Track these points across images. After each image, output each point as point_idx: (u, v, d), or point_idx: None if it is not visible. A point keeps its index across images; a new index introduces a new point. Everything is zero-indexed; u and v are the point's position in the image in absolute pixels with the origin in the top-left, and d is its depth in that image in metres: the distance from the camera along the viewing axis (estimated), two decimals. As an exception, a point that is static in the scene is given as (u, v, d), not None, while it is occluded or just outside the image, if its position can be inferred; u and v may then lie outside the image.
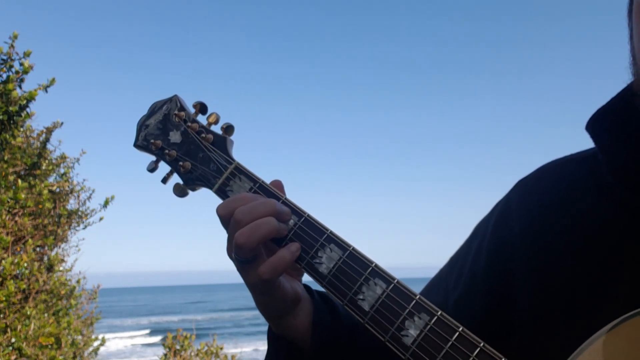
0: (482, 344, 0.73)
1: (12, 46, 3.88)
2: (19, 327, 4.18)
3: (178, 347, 7.06)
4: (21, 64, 3.91)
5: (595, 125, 0.83)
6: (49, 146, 5.19)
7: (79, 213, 5.78)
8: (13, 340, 4.09)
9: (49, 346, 4.58)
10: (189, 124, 1.00)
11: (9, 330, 4.11)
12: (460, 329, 0.75)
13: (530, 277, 0.81)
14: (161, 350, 7.29)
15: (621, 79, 0.82)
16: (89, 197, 5.96)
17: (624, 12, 0.81)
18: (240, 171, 0.94)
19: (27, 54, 3.93)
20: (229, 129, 0.99)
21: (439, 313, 0.76)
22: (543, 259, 0.81)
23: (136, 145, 1.03)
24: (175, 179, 1.01)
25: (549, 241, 0.81)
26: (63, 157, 5.50)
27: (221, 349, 7.40)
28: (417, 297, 0.78)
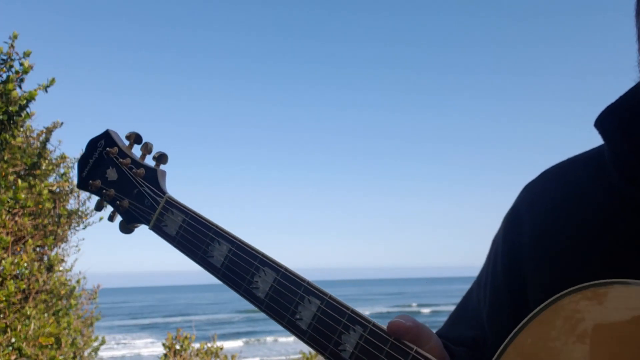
0: (414, 350, 0.74)
1: (12, 46, 3.88)
2: (19, 327, 4.18)
3: (178, 347, 7.05)
4: (21, 64, 3.90)
5: (604, 122, 0.83)
6: (49, 146, 5.18)
7: (79, 213, 5.77)
8: (13, 340, 4.09)
9: (49, 346, 4.58)
10: (121, 160, 1.01)
11: (9, 330, 4.11)
12: (393, 337, 0.76)
13: (542, 281, 0.82)
14: (161, 350, 7.28)
15: (629, 78, 0.82)
16: (89, 197, 5.93)
17: (631, 11, 0.80)
18: (172, 205, 0.95)
19: (27, 54, 3.92)
20: (161, 157, 1.00)
21: (371, 324, 0.77)
22: (553, 262, 0.81)
23: (78, 186, 1.06)
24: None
25: (558, 243, 0.82)
26: (63, 157, 5.49)
27: (221, 349, 7.40)
28: (350, 310, 0.80)
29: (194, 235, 0.92)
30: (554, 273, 0.81)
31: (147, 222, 0.97)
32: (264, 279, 0.86)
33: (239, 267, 0.88)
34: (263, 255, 0.87)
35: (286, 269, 0.85)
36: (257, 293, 0.86)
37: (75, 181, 1.11)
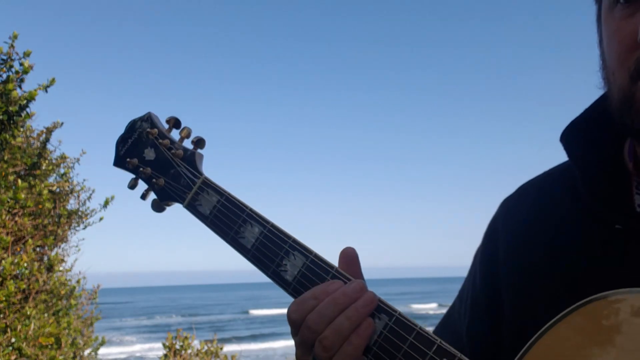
0: (439, 341, 0.75)
1: (12, 46, 3.88)
2: (19, 327, 4.18)
3: (178, 347, 7.05)
4: (21, 64, 3.91)
5: (568, 137, 0.84)
6: (49, 146, 5.19)
7: (79, 213, 5.78)
8: (13, 340, 4.09)
9: (49, 346, 4.58)
10: (161, 140, 1.04)
11: (9, 330, 4.11)
12: (418, 327, 0.77)
13: (513, 298, 0.83)
14: (161, 351, 7.29)
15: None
16: (89, 197, 5.95)
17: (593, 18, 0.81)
18: (208, 185, 0.98)
19: (27, 54, 3.93)
20: (199, 142, 1.04)
21: (398, 313, 0.79)
22: (523, 278, 0.82)
23: (115, 164, 1.09)
24: (154, 194, 1.05)
25: (528, 259, 0.83)
26: (63, 157, 5.50)
27: (221, 349, 7.41)
28: (377, 298, 0.80)
29: (227, 216, 0.95)
30: (523, 286, 0.81)
31: (181, 201, 0.99)
32: (293, 263, 0.87)
33: (269, 249, 0.90)
34: (294, 240, 0.89)
35: (316, 255, 0.87)
36: (285, 276, 0.88)
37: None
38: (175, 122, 1.06)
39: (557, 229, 0.81)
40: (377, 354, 0.78)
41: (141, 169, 1.04)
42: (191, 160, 1.01)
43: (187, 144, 1.04)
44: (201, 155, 1.03)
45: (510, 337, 0.82)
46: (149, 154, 1.04)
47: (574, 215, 0.80)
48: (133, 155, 1.05)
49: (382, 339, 0.78)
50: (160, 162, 1.03)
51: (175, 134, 1.06)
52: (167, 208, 1.04)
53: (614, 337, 0.64)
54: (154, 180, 1.02)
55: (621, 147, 0.80)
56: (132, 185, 1.05)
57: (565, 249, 0.79)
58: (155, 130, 1.04)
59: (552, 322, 0.68)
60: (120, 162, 1.07)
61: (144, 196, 1.05)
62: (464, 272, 1.02)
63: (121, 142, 1.07)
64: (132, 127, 1.07)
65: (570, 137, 0.83)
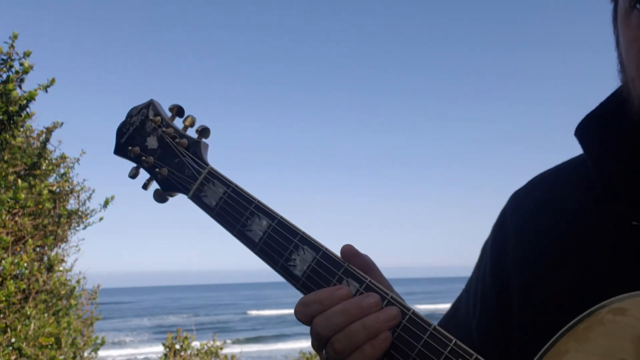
0: (453, 342, 0.73)
1: (12, 46, 3.88)
2: (19, 327, 4.18)
3: (178, 347, 7.06)
4: (21, 64, 3.91)
5: (583, 132, 0.82)
6: (49, 146, 5.19)
7: (79, 213, 5.78)
8: (13, 340, 4.09)
9: (49, 346, 4.58)
10: (164, 129, 1.01)
11: (9, 330, 4.11)
12: (432, 327, 0.75)
13: (522, 291, 0.82)
14: (161, 351, 7.29)
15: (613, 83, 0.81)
16: (89, 197, 5.96)
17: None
18: (214, 176, 0.95)
19: (27, 54, 3.93)
20: (204, 131, 1.00)
21: (411, 311, 0.77)
22: (532, 274, 0.81)
23: (115, 152, 1.05)
24: (156, 184, 1.02)
25: (537, 254, 0.82)
26: (63, 157, 5.50)
27: (221, 349, 7.41)
28: (389, 296, 0.79)
29: (234, 208, 0.92)
30: (532, 282, 0.80)
31: (186, 192, 0.97)
32: (303, 258, 0.85)
33: (278, 243, 0.87)
34: (304, 233, 0.87)
35: (327, 249, 0.84)
36: (295, 271, 0.85)
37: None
38: (178, 110, 1.02)
39: (569, 224, 0.80)
40: (389, 353, 0.76)
41: (143, 157, 1.00)
42: (196, 149, 0.98)
43: (191, 133, 1.01)
44: (206, 145, 1.00)
45: (518, 334, 0.81)
46: (152, 142, 1.01)
47: (587, 210, 0.78)
48: (135, 144, 1.02)
49: (395, 338, 0.76)
50: (163, 151, 1.00)
51: (178, 123, 1.03)
52: (170, 199, 1.01)
53: (629, 344, 0.63)
54: (156, 169, 0.99)
55: (637, 141, 0.78)
56: (134, 175, 1.02)
57: (578, 245, 0.77)
58: (159, 118, 1.01)
59: (567, 328, 0.67)
60: (121, 150, 1.04)
61: (145, 186, 1.02)
62: (468, 272, 1.00)
63: (122, 129, 1.04)
64: (133, 114, 1.04)
65: (585, 131, 0.82)
